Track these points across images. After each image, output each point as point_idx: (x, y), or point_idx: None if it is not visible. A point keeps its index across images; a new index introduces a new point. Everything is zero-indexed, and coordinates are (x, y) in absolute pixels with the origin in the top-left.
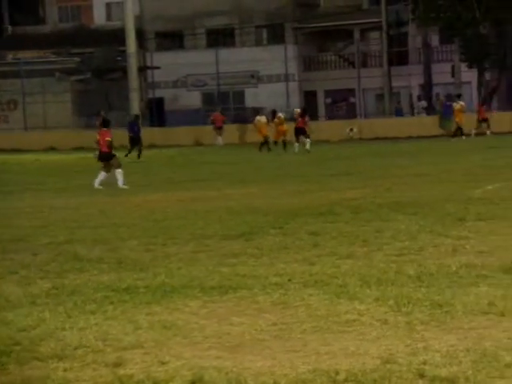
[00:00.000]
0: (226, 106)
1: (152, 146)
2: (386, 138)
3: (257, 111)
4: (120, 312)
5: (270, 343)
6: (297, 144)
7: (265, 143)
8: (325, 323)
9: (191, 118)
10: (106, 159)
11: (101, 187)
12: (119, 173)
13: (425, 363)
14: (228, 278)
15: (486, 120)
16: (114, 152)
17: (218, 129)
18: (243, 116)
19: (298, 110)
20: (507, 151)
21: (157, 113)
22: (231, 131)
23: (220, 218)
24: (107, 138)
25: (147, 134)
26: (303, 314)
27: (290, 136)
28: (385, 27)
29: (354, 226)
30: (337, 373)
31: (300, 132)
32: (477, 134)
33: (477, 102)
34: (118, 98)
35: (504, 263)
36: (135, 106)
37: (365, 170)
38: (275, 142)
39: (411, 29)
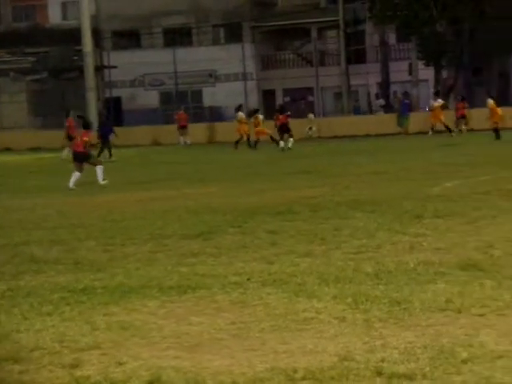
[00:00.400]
0: (183, 105)
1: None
2: (344, 137)
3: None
4: (77, 313)
5: (229, 342)
6: (282, 142)
7: (238, 142)
8: (283, 322)
9: (149, 117)
10: (80, 160)
11: (75, 187)
12: (100, 168)
13: (383, 360)
14: (187, 277)
15: (464, 117)
16: (89, 152)
17: (182, 128)
18: (202, 115)
19: (261, 116)
20: (466, 149)
21: (114, 112)
22: (198, 130)
23: (179, 217)
24: (84, 138)
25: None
26: (262, 312)
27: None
28: (342, 26)
29: (313, 225)
30: (295, 371)
31: (284, 129)
32: (460, 131)
33: (456, 100)
34: (74, 98)
35: (461, 260)
36: (92, 106)
37: (323, 168)
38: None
39: (368, 27)
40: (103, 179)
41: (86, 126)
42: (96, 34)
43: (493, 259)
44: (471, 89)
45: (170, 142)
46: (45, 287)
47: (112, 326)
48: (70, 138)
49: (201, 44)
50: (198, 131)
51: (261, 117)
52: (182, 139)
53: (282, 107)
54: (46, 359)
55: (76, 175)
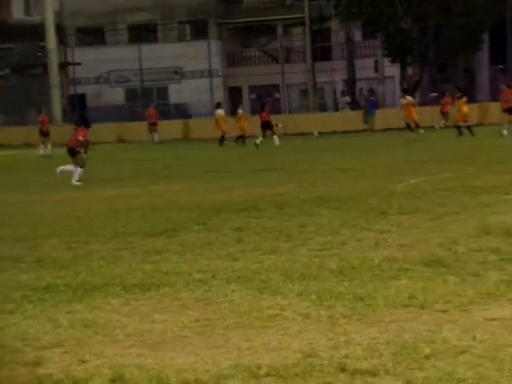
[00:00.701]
0: (149, 102)
1: None
2: (310, 134)
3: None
4: (39, 311)
5: (193, 340)
6: (261, 138)
7: (223, 138)
8: (247, 319)
9: (114, 114)
10: (71, 154)
11: (79, 183)
12: (79, 170)
13: (346, 357)
14: (150, 275)
15: (445, 113)
16: (80, 150)
17: (152, 125)
18: (168, 112)
19: (240, 111)
20: (431, 145)
21: (79, 109)
22: (173, 127)
23: (143, 215)
24: (80, 137)
25: (68, 131)
26: (226, 309)
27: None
28: (308, 23)
29: (278, 222)
30: (258, 368)
31: (267, 126)
32: (448, 126)
33: (441, 95)
34: (38, 95)
35: (424, 256)
36: (56, 103)
37: (289, 165)
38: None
39: (334, 24)
40: (77, 180)
41: (87, 124)
42: (60, 30)
43: (456, 255)
44: (436, 85)
45: (136, 139)
46: (7, 285)
47: (75, 323)
48: (44, 134)
49: (166, 40)
50: (172, 128)
51: (240, 112)
52: (153, 136)
53: (264, 104)
54: (7, 357)
55: (78, 171)
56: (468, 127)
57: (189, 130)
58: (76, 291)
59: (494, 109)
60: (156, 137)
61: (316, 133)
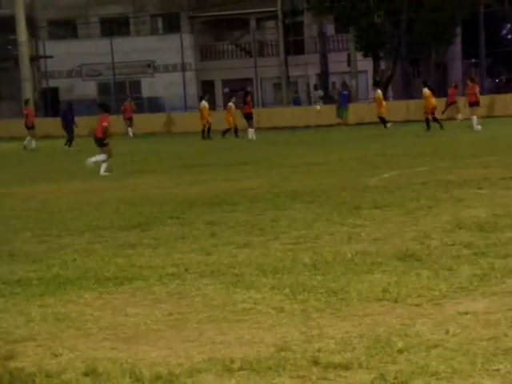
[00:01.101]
0: (122, 96)
1: (46, 137)
2: (284, 128)
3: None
4: (11, 304)
5: (166, 333)
6: (251, 130)
7: (208, 130)
8: (221, 312)
9: (87, 108)
10: (99, 145)
11: (107, 173)
12: (106, 160)
13: (319, 350)
14: (124, 268)
15: (454, 103)
16: (107, 140)
17: (128, 119)
18: (141, 106)
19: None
20: (403, 139)
21: (51, 103)
22: (156, 120)
23: (116, 208)
24: (104, 124)
25: (42, 124)
26: (199, 303)
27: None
28: (281, 16)
29: (251, 215)
30: (232, 361)
31: (249, 117)
32: (450, 119)
33: (449, 86)
34: (9, 88)
35: (398, 250)
36: (28, 96)
37: (262, 159)
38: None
39: (307, 18)
40: (105, 171)
41: (107, 109)
42: (31, 22)
43: (430, 249)
44: (409, 79)
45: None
46: None
47: (47, 317)
48: (29, 126)
49: (139, 34)
50: (156, 121)
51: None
52: (130, 130)
53: (247, 93)
54: None
55: (101, 157)
56: (436, 119)
57: (170, 124)
58: (49, 285)
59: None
60: (130, 131)
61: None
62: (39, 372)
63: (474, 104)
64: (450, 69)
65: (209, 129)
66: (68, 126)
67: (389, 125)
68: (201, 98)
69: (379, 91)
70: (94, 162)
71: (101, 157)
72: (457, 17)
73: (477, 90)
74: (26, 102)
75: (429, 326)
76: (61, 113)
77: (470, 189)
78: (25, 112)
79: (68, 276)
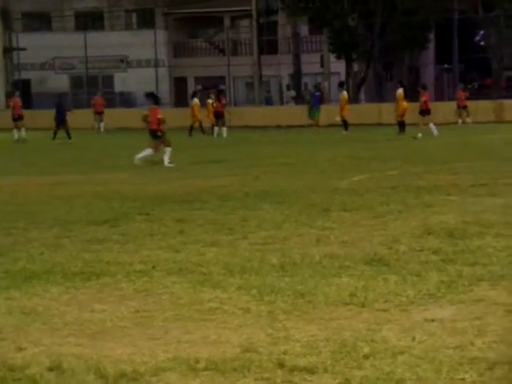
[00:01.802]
0: (95, 90)
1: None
2: (255, 127)
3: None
4: None
5: (131, 331)
6: (216, 128)
7: (201, 127)
8: (187, 311)
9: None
10: (154, 137)
11: (171, 164)
12: (168, 151)
13: (285, 353)
14: (91, 264)
15: (465, 107)
16: (163, 130)
17: (99, 114)
18: (113, 100)
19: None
20: (374, 143)
21: (23, 95)
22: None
23: (86, 203)
24: (159, 116)
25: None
26: (166, 301)
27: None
28: (255, 15)
29: (220, 214)
30: (197, 361)
31: (219, 116)
32: (464, 122)
33: (457, 89)
34: None
35: (366, 254)
36: (0, 88)
37: (233, 158)
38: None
39: (281, 18)
40: (169, 162)
41: (157, 101)
42: (5, 14)
43: (398, 254)
44: (381, 82)
45: (79, 126)
46: None
47: (13, 310)
48: (16, 118)
49: (113, 29)
50: (128, 116)
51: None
52: (99, 125)
53: (220, 91)
54: None
55: (147, 151)
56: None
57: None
58: (15, 278)
59: (439, 108)
60: (102, 126)
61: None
62: (3, 365)
63: (424, 112)
64: (423, 73)
65: (200, 126)
66: (61, 118)
67: (344, 132)
68: (193, 95)
69: (345, 93)
70: (143, 157)
71: (147, 151)
72: (430, 21)
73: (427, 97)
74: (12, 93)
75: (395, 332)
76: (55, 105)
77: (440, 195)
78: (11, 104)
79: (35, 270)
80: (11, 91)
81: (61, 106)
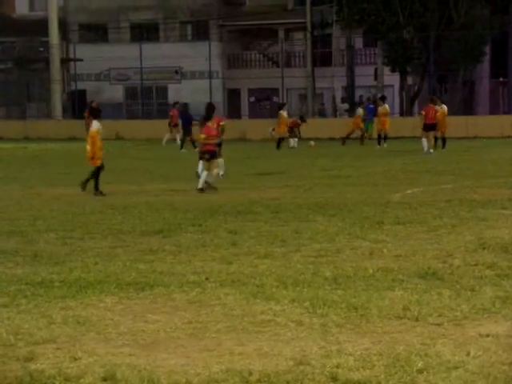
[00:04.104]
0: (148, 100)
1: (72, 139)
2: (308, 139)
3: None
4: (33, 306)
5: (185, 342)
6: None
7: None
8: (240, 323)
9: (113, 111)
10: (212, 157)
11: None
12: (221, 161)
13: (338, 366)
14: (145, 274)
15: None
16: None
17: (174, 126)
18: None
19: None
20: (425, 156)
21: (79, 105)
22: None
23: (139, 213)
24: (221, 123)
25: (67, 126)
26: (219, 313)
27: None
28: (309, 28)
29: (273, 226)
30: (250, 373)
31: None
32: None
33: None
34: (39, 89)
35: (420, 268)
36: (57, 98)
37: (286, 169)
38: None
39: (335, 31)
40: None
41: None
42: (63, 26)
43: (452, 268)
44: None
45: (132, 137)
46: (2, 278)
47: (68, 320)
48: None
49: (167, 40)
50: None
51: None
52: (177, 137)
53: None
54: (0, 351)
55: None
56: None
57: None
58: (70, 287)
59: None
60: (168, 138)
61: (312, 142)
62: (58, 375)
63: (429, 126)
64: (478, 87)
65: (283, 138)
66: (187, 126)
67: (382, 146)
68: (279, 107)
69: (387, 106)
70: (223, 173)
71: (221, 161)
72: (486, 35)
73: (427, 111)
74: (174, 104)
75: (449, 347)
76: (180, 114)
77: (494, 209)
78: (170, 113)
79: (89, 279)
80: (174, 102)
81: (185, 115)
